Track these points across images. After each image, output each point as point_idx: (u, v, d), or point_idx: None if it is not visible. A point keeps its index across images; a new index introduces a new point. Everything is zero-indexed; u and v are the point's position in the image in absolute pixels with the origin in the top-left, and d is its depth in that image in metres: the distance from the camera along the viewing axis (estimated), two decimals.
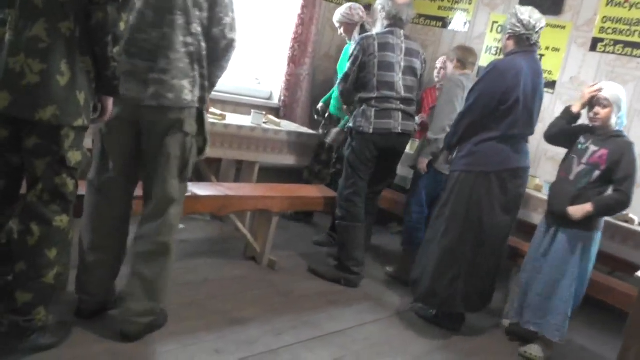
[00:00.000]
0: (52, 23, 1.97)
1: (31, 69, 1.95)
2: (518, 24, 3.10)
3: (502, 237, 3.19)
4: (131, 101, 2.30)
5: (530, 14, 3.10)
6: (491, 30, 5.13)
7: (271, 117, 4.31)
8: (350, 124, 3.67)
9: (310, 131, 4.41)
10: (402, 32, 3.65)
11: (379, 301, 3.53)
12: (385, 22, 3.64)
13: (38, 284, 2.12)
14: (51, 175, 2.10)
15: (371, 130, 3.54)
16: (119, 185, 2.47)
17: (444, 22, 5.51)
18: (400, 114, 3.59)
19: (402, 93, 3.58)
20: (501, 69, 3.07)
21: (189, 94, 2.35)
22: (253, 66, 5.19)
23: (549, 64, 4.73)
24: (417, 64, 3.68)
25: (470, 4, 5.31)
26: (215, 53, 2.44)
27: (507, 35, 3.17)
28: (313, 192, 4.02)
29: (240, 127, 3.87)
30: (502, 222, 3.13)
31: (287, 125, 4.36)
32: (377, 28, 3.70)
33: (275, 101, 5.18)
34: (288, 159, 4.24)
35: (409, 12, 3.65)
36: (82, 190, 2.40)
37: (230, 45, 2.46)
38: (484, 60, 4.98)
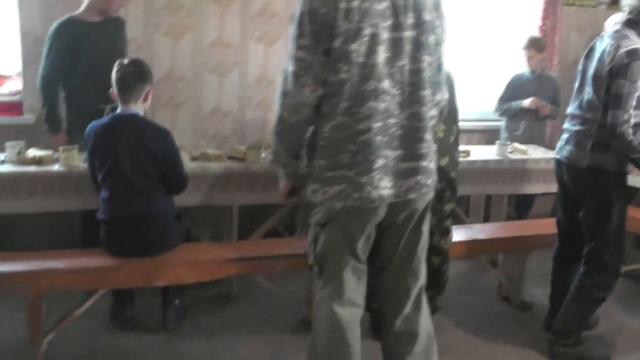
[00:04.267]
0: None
1: None
2: None
3: None
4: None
5: None
6: None
7: (517, 144, 4.20)
8: None
9: None
10: (614, 29, 2.77)
11: None
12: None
13: None
14: None
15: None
16: None
17: None
18: (566, 135, 2.94)
19: (573, 109, 2.91)
20: None
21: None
22: (497, 88, 5.10)
23: None
24: (600, 70, 2.70)
25: None
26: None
27: None
28: None
29: (486, 162, 3.84)
30: None
31: (534, 151, 4.19)
32: None
33: None
34: (539, 187, 4.08)
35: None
36: None
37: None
38: None
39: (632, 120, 2.61)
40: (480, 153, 3.99)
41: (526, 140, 4.34)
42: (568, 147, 2.88)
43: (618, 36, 2.69)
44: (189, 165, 3.14)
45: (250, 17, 4.08)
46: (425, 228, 2.24)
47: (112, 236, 2.77)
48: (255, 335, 3.11)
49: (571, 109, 2.93)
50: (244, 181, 3.32)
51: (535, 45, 4.43)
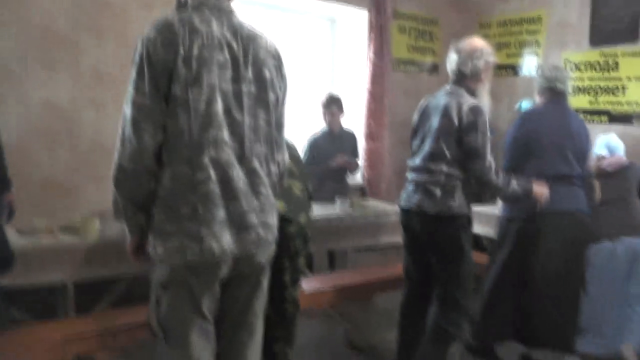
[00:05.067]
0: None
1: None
2: None
3: None
4: None
5: None
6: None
7: (357, 200, 4.37)
8: None
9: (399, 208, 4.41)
10: (448, 88, 3.05)
11: None
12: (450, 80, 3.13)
13: None
14: None
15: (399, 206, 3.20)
16: None
17: (514, 70, 5.43)
18: (412, 185, 3.05)
19: (417, 162, 3.04)
20: None
21: None
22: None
23: (635, 94, 4.53)
24: (446, 124, 2.91)
25: (538, 46, 5.21)
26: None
27: None
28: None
29: (328, 219, 3.95)
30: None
31: (375, 206, 4.40)
32: None
33: (358, 179, 5.25)
34: (381, 240, 4.26)
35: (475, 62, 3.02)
36: None
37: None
38: None
39: (493, 166, 2.87)
40: (321, 210, 4.07)
41: (332, 199, 4.29)
42: (417, 197, 3.00)
43: (454, 94, 2.97)
44: (16, 241, 2.88)
45: (81, 79, 3.91)
46: (265, 284, 2.19)
47: None
48: None
49: (416, 161, 3.07)
50: (79, 255, 3.10)
51: (337, 103, 4.49)
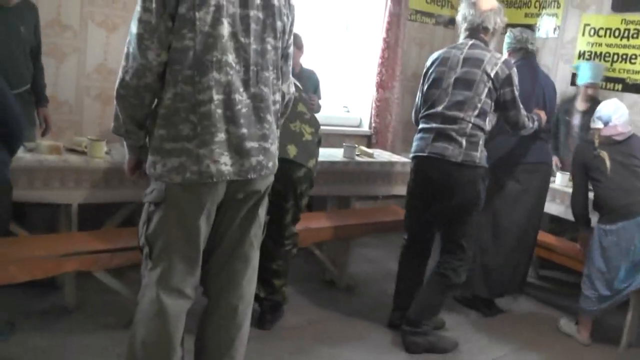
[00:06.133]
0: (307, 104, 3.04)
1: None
2: None
3: None
4: None
5: None
6: (583, 34, 4.91)
7: (363, 148, 4.34)
8: None
9: (404, 159, 4.38)
10: (471, 42, 3.09)
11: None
12: (465, 34, 3.18)
13: None
14: None
15: (411, 154, 3.23)
16: None
17: (532, 30, 5.30)
18: (431, 133, 3.06)
19: (440, 110, 3.04)
20: None
21: None
22: (340, 94, 5.24)
23: None
24: (476, 74, 2.98)
25: (558, 7, 5.11)
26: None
27: None
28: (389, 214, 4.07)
29: (333, 163, 3.91)
30: None
31: (380, 155, 4.36)
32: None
33: (365, 128, 5.20)
34: (384, 190, 4.24)
35: (496, 19, 3.11)
36: None
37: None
38: None
39: (525, 112, 3.16)
40: (327, 154, 4.03)
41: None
42: (440, 144, 3.01)
43: (481, 48, 3.06)
44: (22, 156, 2.82)
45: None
46: (262, 212, 2.19)
47: None
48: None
49: (438, 109, 3.06)
50: (84, 177, 3.04)
51: (295, 42, 4.33)
